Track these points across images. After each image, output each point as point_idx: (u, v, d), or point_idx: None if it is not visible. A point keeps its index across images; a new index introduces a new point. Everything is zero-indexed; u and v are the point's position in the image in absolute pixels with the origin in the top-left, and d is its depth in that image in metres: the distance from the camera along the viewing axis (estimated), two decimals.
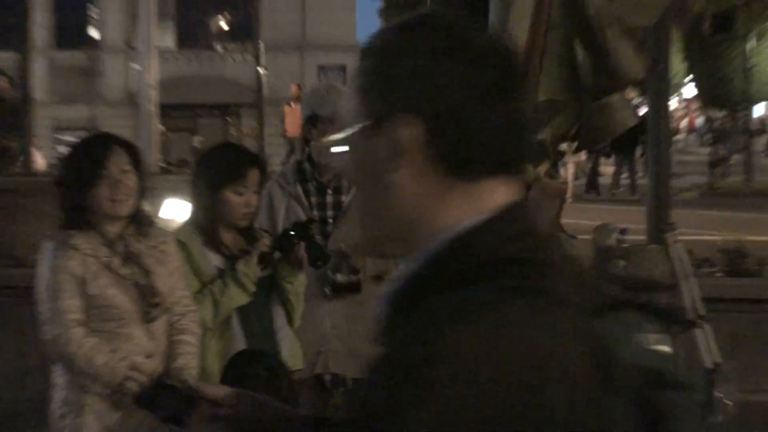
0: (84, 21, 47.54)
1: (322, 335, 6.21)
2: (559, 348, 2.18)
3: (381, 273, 5.92)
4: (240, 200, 5.71)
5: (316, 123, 6.37)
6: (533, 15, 4.13)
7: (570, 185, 31.91)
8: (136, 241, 5.32)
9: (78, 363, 5.18)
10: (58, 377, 5.35)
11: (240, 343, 5.63)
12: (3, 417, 10.12)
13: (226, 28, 45.77)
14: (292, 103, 30.11)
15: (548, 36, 4.18)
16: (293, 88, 31.41)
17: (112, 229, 5.28)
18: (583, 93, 4.36)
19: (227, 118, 36.25)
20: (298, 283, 5.85)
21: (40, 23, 37.22)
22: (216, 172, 5.72)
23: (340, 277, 6.05)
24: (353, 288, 5.97)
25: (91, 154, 5.25)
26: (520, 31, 4.14)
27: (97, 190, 5.11)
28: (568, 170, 30.56)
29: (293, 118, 29.02)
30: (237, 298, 5.64)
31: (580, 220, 11.85)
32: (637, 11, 4.33)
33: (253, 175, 5.76)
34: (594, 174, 34.31)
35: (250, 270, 5.60)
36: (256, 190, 5.80)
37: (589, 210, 20.15)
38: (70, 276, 5.20)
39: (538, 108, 4.26)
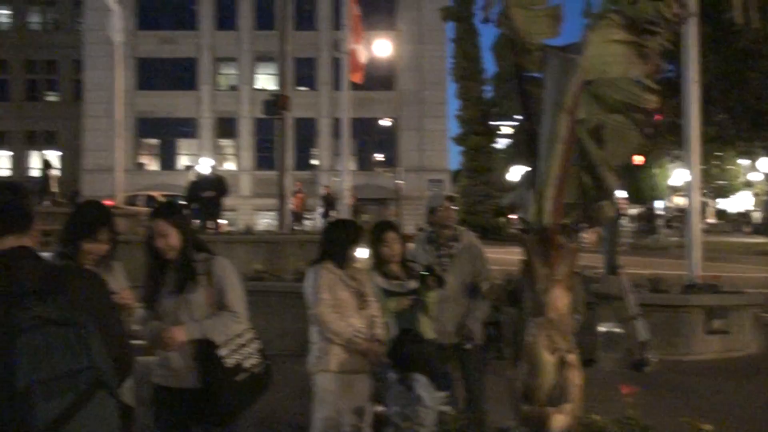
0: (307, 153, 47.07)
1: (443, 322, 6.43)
2: None
3: None
4: (386, 250, 5.93)
5: (434, 211, 6.71)
6: (561, 166, 4.30)
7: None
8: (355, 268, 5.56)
9: (329, 326, 5.36)
10: (314, 335, 5.52)
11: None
12: (273, 356, 10.43)
13: (381, 158, 46.26)
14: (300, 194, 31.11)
15: (569, 169, 4.39)
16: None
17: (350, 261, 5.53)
18: (587, 199, 4.52)
19: (382, 206, 38.88)
20: (433, 297, 6.03)
21: None
22: (347, 236, 5.62)
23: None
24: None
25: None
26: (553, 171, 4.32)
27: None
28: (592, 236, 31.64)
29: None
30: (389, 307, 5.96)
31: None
32: (616, 156, 4.47)
33: (391, 235, 5.94)
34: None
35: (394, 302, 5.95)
36: (398, 240, 5.94)
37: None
38: (325, 283, 5.40)
39: (567, 207, 4.46)
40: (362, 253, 5.73)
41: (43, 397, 2.39)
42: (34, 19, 52.12)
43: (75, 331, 2.48)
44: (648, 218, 45.62)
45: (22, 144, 50.26)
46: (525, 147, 4.68)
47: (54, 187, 26.01)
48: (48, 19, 51.90)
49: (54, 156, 49.64)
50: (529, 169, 4.54)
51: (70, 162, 48.48)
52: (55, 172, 28.55)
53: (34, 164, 48.60)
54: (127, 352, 2.81)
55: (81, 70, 46.10)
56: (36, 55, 50.71)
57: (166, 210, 4.72)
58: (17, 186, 2.79)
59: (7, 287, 2.53)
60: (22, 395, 2.36)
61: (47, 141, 50.58)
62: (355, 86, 24.76)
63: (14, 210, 2.68)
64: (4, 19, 51.86)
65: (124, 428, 2.52)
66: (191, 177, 23.46)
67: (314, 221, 31.88)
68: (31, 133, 50.53)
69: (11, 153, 50.17)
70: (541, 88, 4.53)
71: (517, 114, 4.78)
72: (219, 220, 22.83)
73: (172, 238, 4.56)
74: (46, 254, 4.69)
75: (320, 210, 30.40)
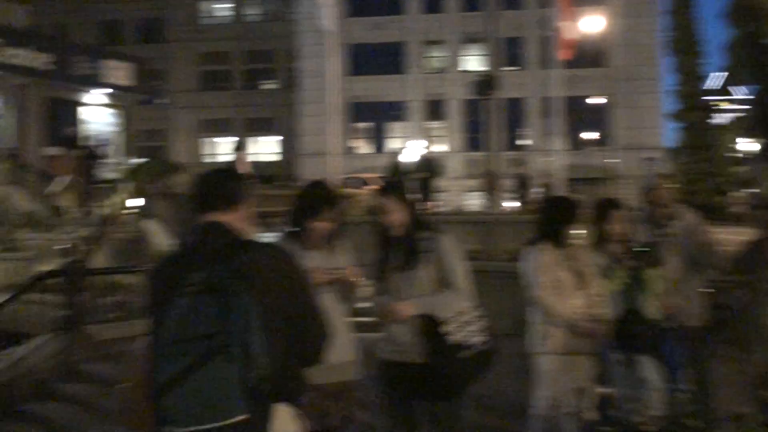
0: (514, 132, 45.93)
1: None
2: None
3: None
4: (610, 228, 5.71)
5: (649, 190, 6.56)
6: None
7: None
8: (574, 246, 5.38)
9: (550, 309, 5.24)
10: (534, 316, 5.40)
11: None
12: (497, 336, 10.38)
13: (595, 137, 44.95)
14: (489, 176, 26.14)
15: None
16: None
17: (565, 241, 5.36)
18: None
19: (593, 185, 38.53)
20: (653, 275, 5.71)
21: None
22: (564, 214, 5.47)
23: None
24: None
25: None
26: None
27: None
28: None
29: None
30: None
31: None
32: None
33: (616, 216, 5.75)
34: None
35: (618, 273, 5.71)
36: (622, 219, 5.76)
37: None
38: (543, 264, 5.28)
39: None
40: (580, 231, 5.65)
41: (171, 356, 2.60)
42: (252, 11, 54.45)
43: (223, 298, 2.65)
44: None
45: (242, 130, 52.08)
46: (760, 119, 4.55)
47: (245, 170, 26.94)
48: (264, 10, 54.07)
49: (274, 141, 52.31)
50: (766, 142, 4.36)
51: (288, 147, 50.70)
52: (245, 156, 29.65)
53: (253, 149, 49.94)
54: (311, 327, 2.93)
55: (296, 59, 47.81)
56: (254, 45, 52.87)
57: (393, 187, 4.80)
58: (224, 170, 3.06)
59: (186, 256, 2.80)
60: (160, 350, 2.58)
61: (265, 127, 52.66)
62: (565, 64, 24.34)
63: (217, 191, 2.97)
64: (226, 13, 54.64)
65: (260, 397, 2.62)
66: (393, 159, 24.00)
67: (510, 202, 31.55)
68: (250, 120, 52.71)
69: (235, 139, 52.60)
70: None
71: (751, 84, 4.60)
72: (430, 201, 23.22)
73: (398, 215, 4.66)
74: (272, 235, 4.96)
75: (515, 190, 30.05)
